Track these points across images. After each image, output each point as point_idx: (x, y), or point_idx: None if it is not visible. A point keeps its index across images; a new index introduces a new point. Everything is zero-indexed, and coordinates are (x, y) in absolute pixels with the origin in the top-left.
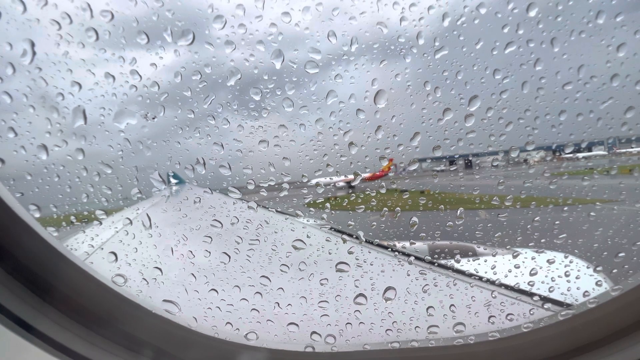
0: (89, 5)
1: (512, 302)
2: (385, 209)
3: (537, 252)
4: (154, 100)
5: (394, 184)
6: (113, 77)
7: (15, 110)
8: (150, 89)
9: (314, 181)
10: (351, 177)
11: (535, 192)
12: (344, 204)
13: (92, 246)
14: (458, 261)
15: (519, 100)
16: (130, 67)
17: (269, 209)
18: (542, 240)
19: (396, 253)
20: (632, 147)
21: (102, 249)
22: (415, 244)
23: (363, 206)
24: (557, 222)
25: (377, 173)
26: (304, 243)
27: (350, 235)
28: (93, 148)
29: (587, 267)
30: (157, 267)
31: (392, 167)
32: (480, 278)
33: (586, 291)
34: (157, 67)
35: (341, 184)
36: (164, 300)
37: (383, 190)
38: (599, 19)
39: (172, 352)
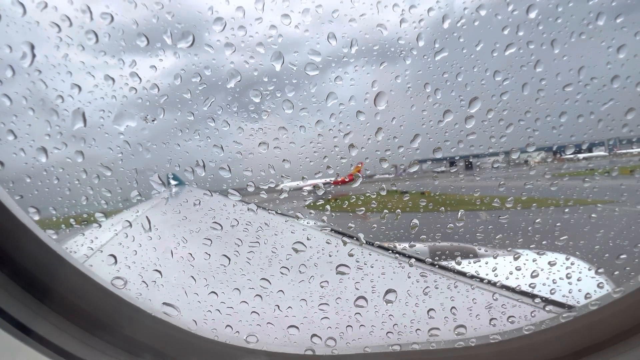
0: (88, 7)
1: (513, 304)
2: (385, 210)
3: (538, 253)
4: (153, 103)
5: (394, 186)
6: (113, 79)
7: (15, 112)
8: (149, 91)
9: (282, 186)
10: (319, 181)
11: (536, 193)
12: (344, 206)
13: (92, 249)
14: (459, 263)
15: (519, 101)
16: (130, 70)
17: (269, 210)
18: (544, 242)
19: (397, 255)
20: (632, 148)
21: (102, 251)
22: (415, 245)
23: (363, 208)
24: (558, 224)
25: (343, 178)
26: (304, 245)
27: (351, 237)
28: (92, 150)
29: (589, 269)
30: (156, 270)
31: (360, 172)
32: (482, 280)
33: (588, 293)
34: (157, 70)
35: (309, 188)
36: (164, 303)
37: (383, 192)
38: (599, 21)
39: (171, 355)
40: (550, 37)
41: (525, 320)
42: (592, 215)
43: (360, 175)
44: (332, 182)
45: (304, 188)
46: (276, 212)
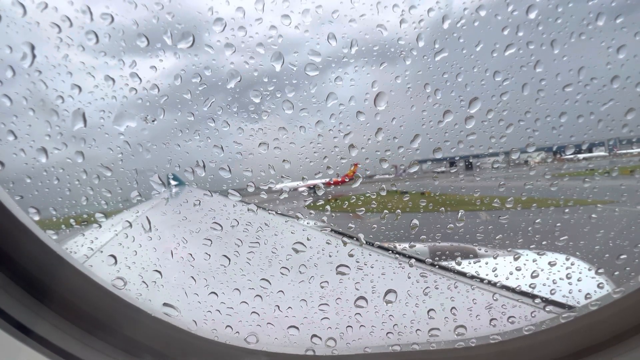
0: (89, 8)
1: (513, 304)
2: (385, 210)
3: (538, 254)
4: (153, 103)
5: (394, 186)
6: (113, 79)
7: (15, 113)
8: (150, 92)
9: (280, 186)
10: (315, 181)
11: (536, 193)
12: (345, 207)
13: (92, 249)
14: (459, 263)
15: (519, 102)
16: (130, 70)
17: (269, 211)
18: (544, 242)
19: (397, 255)
20: (632, 149)
21: (102, 251)
22: (415, 246)
23: (363, 208)
24: (558, 224)
25: (341, 178)
26: (304, 245)
27: (351, 237)
28: (93, 151)
29: (589, 269)
30: (156, 270)
31: (356, 173)
32: (482, 280)
33: (588, 293)
34: (157, 70)
35: (305, 189)
36: (164, 304)
37: (383, 193)
38: (599, 21)
39: (171, 356)
40: (550, 38)
41: (525, 320)
42: (592, 216)
43: (360, 175)
44: (325, 183)
45: (300, 189)
46: (276, 213)
